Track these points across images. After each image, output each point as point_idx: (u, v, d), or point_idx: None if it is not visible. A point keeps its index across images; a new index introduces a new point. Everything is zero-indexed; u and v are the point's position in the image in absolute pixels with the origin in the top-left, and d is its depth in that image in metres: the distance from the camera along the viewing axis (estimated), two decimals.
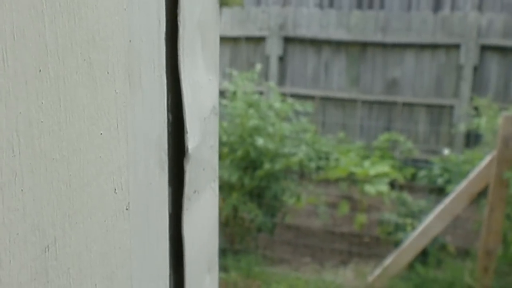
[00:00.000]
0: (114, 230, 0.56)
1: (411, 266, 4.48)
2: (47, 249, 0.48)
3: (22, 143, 0.45)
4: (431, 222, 4.32)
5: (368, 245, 5.27)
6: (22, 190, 0.45)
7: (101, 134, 0.53)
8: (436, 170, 5.71)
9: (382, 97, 7.32)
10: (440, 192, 5.31)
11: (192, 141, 0.73)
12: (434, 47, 7.15)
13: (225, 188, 5.04)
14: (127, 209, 0.58)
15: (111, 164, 0.55)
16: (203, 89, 0.75)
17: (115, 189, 0.56)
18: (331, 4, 8.10)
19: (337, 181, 5.75)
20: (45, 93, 0.46)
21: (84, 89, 0.50)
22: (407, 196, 5.18)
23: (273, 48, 7.66)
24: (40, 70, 0.46)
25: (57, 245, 0.49)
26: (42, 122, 0.46)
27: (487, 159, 4.14)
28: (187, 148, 0.72)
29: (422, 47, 7.19)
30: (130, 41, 0.57)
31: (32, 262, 0.47)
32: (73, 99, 0.49)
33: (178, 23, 0.67)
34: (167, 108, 0.67)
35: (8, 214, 0.44)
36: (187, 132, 0.72)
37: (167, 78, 0.66)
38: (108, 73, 0.53)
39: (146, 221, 0.63)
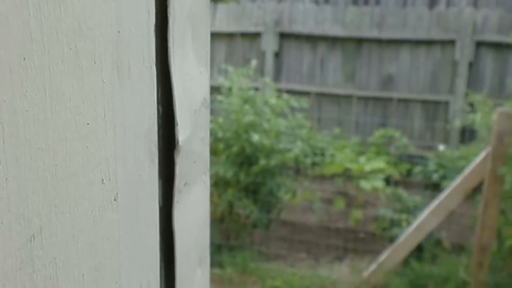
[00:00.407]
0: (101, 220, 0.56)
1: (406, 262, 4.49)
2: (32, 239, 0.48)
3: (7, 132, 0.44)
4: (426, 217, 4.32)
5: (363, 241, 5.27)
6: (6, 178, 0.45)
7: (87, 124, 0.53)
8: (431, 166, 5.72)
9: (377, 93, 7.32)
10: (435, 187, 5.31)
11: (182, 133, 0.73)
12: (429, 43, 7.16)
13: (220, 184, 5.03)
14: (115, 200, 0.58)
15: (98, 154, 0.55)
16: (194, 81, 0.75)
17: (102, 180, 0.56)
18: (326, 0, 8.09)
19: (332, 177, 5.75)
20: (30, 81, 0.46)
21: (70, 78, 0.50)
22: (402, 192, 5.19)
23: (269, 44, 7.66)
24: (24, 58, 0.45)
25: (43, 235, 0.49)
26: (27, 110, 0.46)
27: (482, 154, 4.14)
28: (178, 141, 0.72)
29: (418, 43, 7.19)
30: (118, 31, 0.57)
31: (17, 252, 0.46)
32: (58, 88, 0.49)
33: (168, 14, 0.67)
34: (157, 100, 0.67)
35: None
36: (177, 124, 0.71)
37: (157, 70, 0.66)
38: (94, 62, 0.53)
39: (135, 212, 0.63)
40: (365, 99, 7.38)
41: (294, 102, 5.39)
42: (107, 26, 0.54)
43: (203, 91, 0.78)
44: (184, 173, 0.75)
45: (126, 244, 0.61)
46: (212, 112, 5.67)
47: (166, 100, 0.71)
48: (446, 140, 7.00)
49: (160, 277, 0.73)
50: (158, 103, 0.68)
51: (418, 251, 4.53)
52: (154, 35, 0.64)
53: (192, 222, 0.79)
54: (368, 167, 5.35)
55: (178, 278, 0.76)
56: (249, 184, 5.02)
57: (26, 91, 0.46)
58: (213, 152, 5.04)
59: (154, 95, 0.65)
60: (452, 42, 7.04)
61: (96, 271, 0.56)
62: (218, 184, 5.04)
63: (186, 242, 0.77)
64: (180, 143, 0.72)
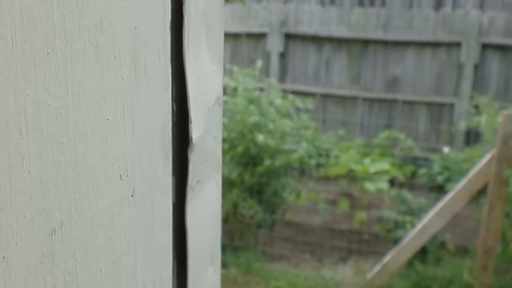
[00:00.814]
0: (119, 216, 0.56)
1: (410, 264, 4.48)
2: (53, 233, 0.48)
3: (30, 126, 0.45)
4: (431, 220, 4.31)
5: (367, 242, 5.27)
6: (29, 172, 0.45)
7: (107, 119, 0.53)
8: (436, 168, 5.71)
9: (382, 95, 7.32)
10: (439, 190, 5.31)
11: (196, 131, 0.73)
12: (435, 45, 7.15)
13: (225, 184, 5.02)
14: (132, 195, 0.58)
15: (117, 150, 0.55)
16: (208, 79, 0.75)
17: (121, 175, 0.56)
18: (332, 1, 8.08)
19: (337, 178, 5.74)
20: (53, 76, 0.46)
21: (91, 73, 0.50)
22: (406, 193, 5.18)
23: (274, 44, 7.65)
24: (48, 53, 0.46)
25: (64, 229, 0.49)
26: (49, 105, 0.46)
27: (487, 157, 4.13)
28: (191, 138, 0.72)
29: (423, 45, 7.18)
30: (135, 28, 0.57)
31: (39, 245, 0.47)
32: (80, 83, 0.49)
33: (183, 12, 0.67)
34: (171, 98, 0.67)
35: (16, 196, 0.44)
36: (191, 122, 0.71)
37: (172, 67, 0.66)
38: (114, 58, 0.53)
39: (150, 209, 0.63)
40: (370, 101, 7.37)
41: (299, 103, 5.38)
42: (126, 22, 0.54)
43: (217, 89, 0.78)
44: (197, 171, 0.75)
45: (142, 241, 0.61)
46: None
47: (180, 97, 0.71)
48: (451, 142, 6.99)
49: (173, 274, 0.73)
50: (172, 101, 0.68)
51: (422, 253, 4.52)
52: (170, 32, 0.64)
53: (204, 220, 0.79)
54: (372, 169, 5.34)
55: (190, 275, 0.76)
56: (253, 184, 5.02)
57: (49, 85, 0.46)
58: None
59: (169, 92, 0.65)
60: (457, 44, 7.02)
61: (114, 267, 0.56)
62: (222, 185, 5.01)
63: (198, 240, 0.77)
64: (193, 140, 0.72)
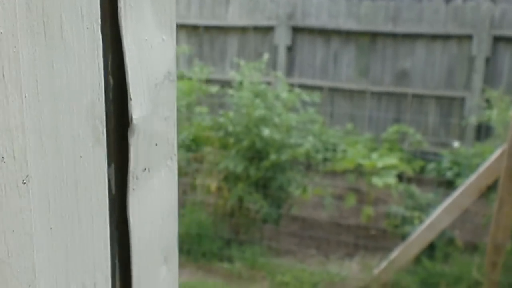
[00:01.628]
0: (2, 209, 0.45)
1: (417, 260, 4.42)
2: None
3: None
4: (439, 215, 4.25)
5: (374, 238, 5.20)
6: None
7: None
8: (446, 163, 5.64)
9: (391, 89, 7.21)
10: (449, 185, 5.23)
11: (138, 110, 0.62)
12: (445, 37, 7.03)
13: (230, 178, 5.00)
14: (24, 183, 0.47)
15: None
16: (154, 49, 0.64)
17: (2, 157, 0.45)
18: None
19: (344, 173, 5.67)
20: None
21: None
22: (415, 189, 5.12)
23: (282, 37, 7.57)
24: None
25: None
26: None
27: (498, 152, 4.05)
28: (131, 118, 0.61)
29: (434, 37, 7.06)
30: None
31: None
32: None
33: None
34: (104, 70, 0.56)
35: None
36: (130, 99, 0.61)
37: (107, 33, 0.56)
38: None
39: (74, 200, 0.53)
40: (379, 95, 7.27)
41: (305, 96, 5.32)
42: None
43: (167, 63, 0.67)
44: (142, 157, 0.64)
45: (49, 239, 0.50)
46: (223, 106, 5.63)
47: (122, 71, 0.60)
48: (461, 137, 6.88)
49: (113, 277, 0.62)
50: (108, 73, 0.58)
51: (430, 250, 4.47)
52: None
53: (153, 213, 0.69)
54: (380, 163, 5.26)
55: (136, 277, 0.66)
56: (259, 179, 4.98)
57: None
58: (223, 146, 5.02)
59: (100, 62, 0.55)
60: (469, 37, 6.91)
61: None
62: (228, 179, 5.00)
63: (146, 236, 0.67)
64: (134, 121, 0.62)
